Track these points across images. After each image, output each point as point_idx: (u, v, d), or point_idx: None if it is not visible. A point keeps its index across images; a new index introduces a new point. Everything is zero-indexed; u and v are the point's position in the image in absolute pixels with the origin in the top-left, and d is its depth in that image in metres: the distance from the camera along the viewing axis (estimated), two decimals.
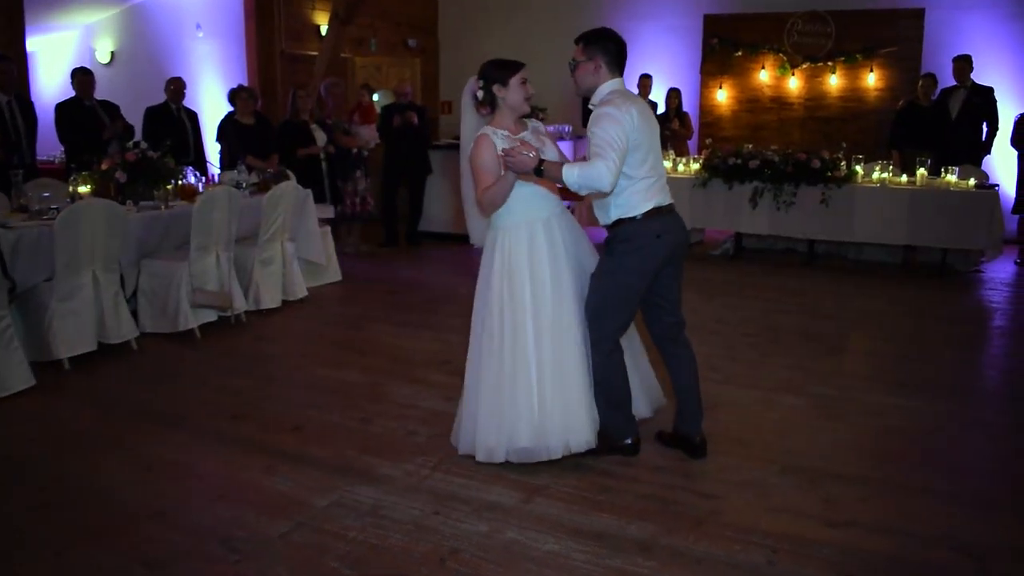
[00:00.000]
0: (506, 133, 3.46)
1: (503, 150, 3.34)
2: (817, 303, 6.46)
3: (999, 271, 7.81)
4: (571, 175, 3.22)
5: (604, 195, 3.38)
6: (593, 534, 3.01)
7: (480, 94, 3.52)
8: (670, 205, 3.50)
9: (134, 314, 5.45)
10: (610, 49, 3.41)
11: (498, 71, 3.48)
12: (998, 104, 8.31)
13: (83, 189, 5.74)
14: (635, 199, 3.39)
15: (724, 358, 5.02)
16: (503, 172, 3.37)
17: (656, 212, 3.42)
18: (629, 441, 3.65)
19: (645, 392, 3.85)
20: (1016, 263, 8.15)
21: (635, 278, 3.43)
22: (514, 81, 3.47)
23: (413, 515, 3.15)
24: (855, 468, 3.54)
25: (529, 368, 3.42)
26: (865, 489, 3.35)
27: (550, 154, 3.52)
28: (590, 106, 3.44)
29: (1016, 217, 8.35)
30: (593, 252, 3.68)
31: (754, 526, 3.06)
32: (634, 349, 3.80)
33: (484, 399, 3.48)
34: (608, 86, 3.42)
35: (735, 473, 3.50)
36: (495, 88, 3.48)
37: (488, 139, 3.44)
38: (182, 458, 3.67)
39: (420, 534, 3.01)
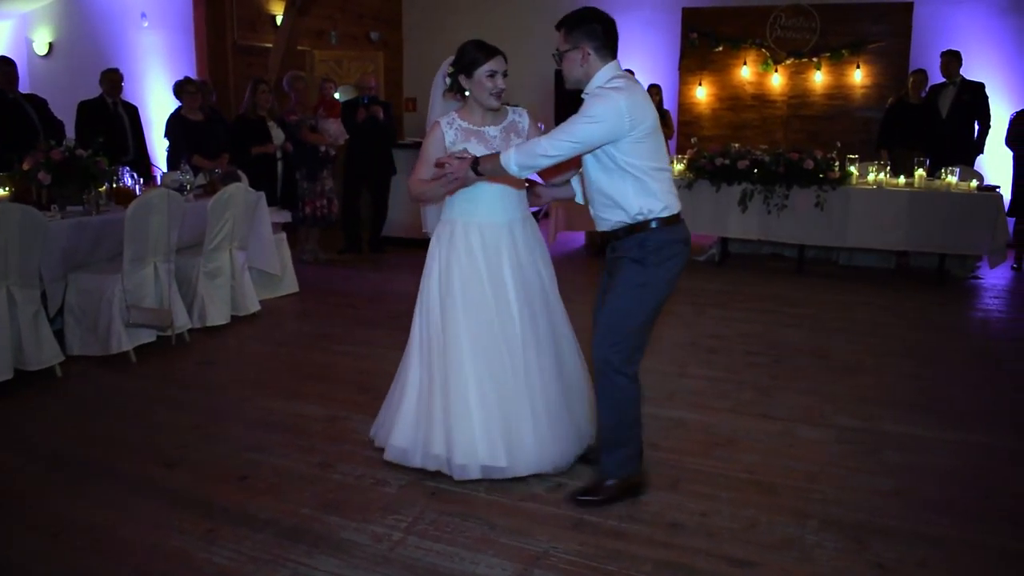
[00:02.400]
0: (465, 125, 3.21)
1: (436, 163, 3.10)
2: (818, 315, 5.96)
3: (997, 277, 7.41)
4: (508, 159, 2.88)
5: (609, 197, 2.94)
6: None
7: (448, 80, 3.24)
8: None
9: (60, 335, 4.78)
10: (597, 32, 2.91)
11: (467, 58, 3.11)
12: (989, 101, 7.93)
13: (0, 192, 5.07)
14: (663, 195, 2.96)
15: (729, 382, 4.48)
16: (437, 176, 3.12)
17: (679, 216, 3.02)
18: (639, 481, 3.22)
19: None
20: (1013, 268, 7.76)
21: (666, 291, 3.02)
22: (479, 73, 3.09)
23: None
24: (904, 521, 3.01)
25: (458, 375, 3.18)
26: (921, 550, 2.83)
27: None
28: (584, 95, 2.95)
29: (1011, 220, 7.96)
30: (549, 265, 3.41)
31: None
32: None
33: (407, 397, 3.33)
34: (607, 72, 2.93)
35: (767, 531, 2.95)
36: (461, 77, 3.17)
37: (438, 129, 3.22)
38: (100, 519, 3.02)
39: None
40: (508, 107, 3.37)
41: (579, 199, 3.34)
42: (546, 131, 8.16)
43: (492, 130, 3.23)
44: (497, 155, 2.92)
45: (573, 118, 2.84)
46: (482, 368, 3.17)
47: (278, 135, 7.15)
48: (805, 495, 3.22)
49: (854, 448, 3.66)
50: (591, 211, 3.13)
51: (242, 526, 2.96)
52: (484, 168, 2.96)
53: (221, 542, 2.86)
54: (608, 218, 3.02)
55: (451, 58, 3.22)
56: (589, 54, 2.92)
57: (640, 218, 2.94)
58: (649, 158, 2.92)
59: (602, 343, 3.01)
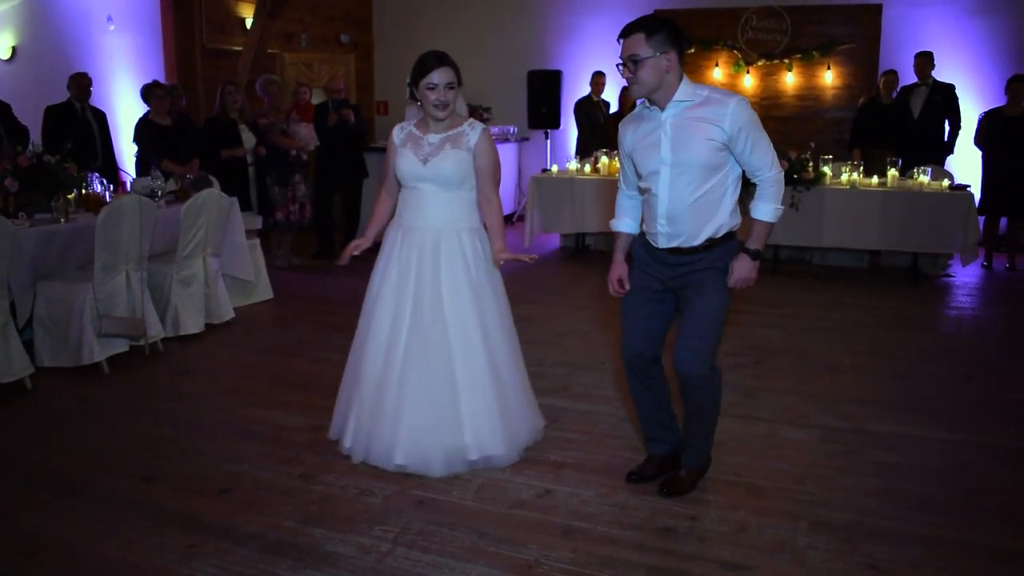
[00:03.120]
0: (413, 131, 3.41)
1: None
2: (796, 315, 5.99)
3: (969, 275, 7.50)
4: (770, 213, 2.93)
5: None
6: None
7: (409, 88, 3.40)
8: None
9: (29, 346, 4.65)
10: (680, 38, 2.84)
11: (416, 69, 3.24)
12: (959, 102, 8.04)
13: None
14: (737, 208, 3.02)
15: None
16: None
17: None
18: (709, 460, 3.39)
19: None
20: (983, 266, 7.86)
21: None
22: (422, 84, 3.21)
23: None
24: (895, 521, 3.01)
25: (357, 365, 3.50)
26: (914, 550, 2.83)
27: (448, 162, 3.29)
28: (669, 102, 2.87)
29: (981, 218, 8.06)
30: (483, 278, 3.42)
31: None
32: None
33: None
34: (690, 84, 2.87)
35: (758, 534, 2.93)
36: (413, 87, 3.32)
37: (392, 134, 3.48)
38: (79, 536, 2.93)
39: None
40: (467, 120, 3.41)
41: (629, 228, 3.22)
42: (518, 133, 8.15)
43: (432, 137, 3.35)
44: (759, 228, 2.94)
45: (756, 140, 2.83)
46: (367, 361, 3.43)
47: (249, 138, 7.05)
48: (793, 497, 3.21)
49: (840, 448, 3.67)
50: (664, 228, 2.96)
51: (225, 540, 2.89)
52: (757, 244, 2.95)
53: (204, 557, 2.78)
54: (696, 235, 2.94)
55: None
56: (675, 63, 2.81)
57: (723, 231, 2.96)
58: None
59: (703, 357, 3.00)
